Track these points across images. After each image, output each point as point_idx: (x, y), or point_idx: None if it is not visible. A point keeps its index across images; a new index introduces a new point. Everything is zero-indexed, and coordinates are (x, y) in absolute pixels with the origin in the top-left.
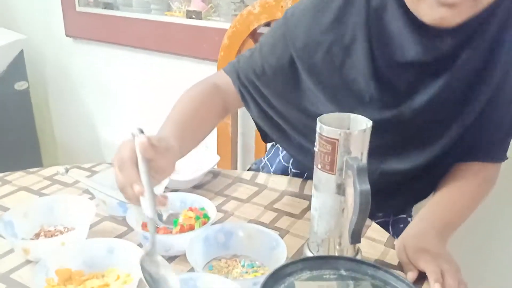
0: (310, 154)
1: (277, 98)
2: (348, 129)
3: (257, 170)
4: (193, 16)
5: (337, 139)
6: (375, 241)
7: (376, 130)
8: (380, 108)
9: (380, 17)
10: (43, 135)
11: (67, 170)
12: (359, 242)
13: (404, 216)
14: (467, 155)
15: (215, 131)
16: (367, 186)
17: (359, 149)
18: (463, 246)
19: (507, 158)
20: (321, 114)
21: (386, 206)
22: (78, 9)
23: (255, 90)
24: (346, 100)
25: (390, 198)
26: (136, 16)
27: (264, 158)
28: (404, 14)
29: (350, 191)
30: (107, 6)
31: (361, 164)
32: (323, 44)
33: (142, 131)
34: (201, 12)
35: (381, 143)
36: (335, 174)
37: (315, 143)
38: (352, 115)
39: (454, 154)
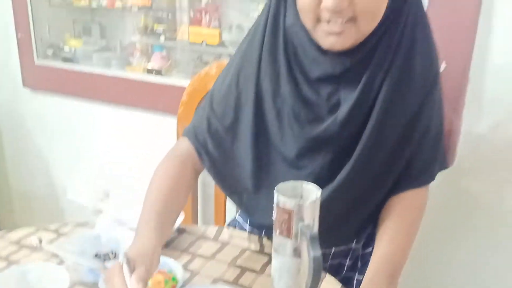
0: (260, 210)
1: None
2: (301, 196)
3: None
4: (153, 73)
5: (292, 210)
6: None
7: (312, 151)
8: (310, 125)
9: (291, 41)
10: None
11: (40, 241)
12: None
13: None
14: (400, 185)
15: None
16: (319, 253)
17: (311, 217)
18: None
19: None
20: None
21: (329, 239)
22: (37, 62)
23: (214, 141)
24: (286, 122)
25: (333, 230)
26: (96, 71)
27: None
28: (309, 36)
29: (305, 253)
30: (66, 59)
31: (313, 232)
32: (268, 75)
33: (128, 259)
34: (161, 70)
35: (317, 167)
36: (291, 239)
37: (273, 212)
38: (304, 184)
39: (388, 185)
